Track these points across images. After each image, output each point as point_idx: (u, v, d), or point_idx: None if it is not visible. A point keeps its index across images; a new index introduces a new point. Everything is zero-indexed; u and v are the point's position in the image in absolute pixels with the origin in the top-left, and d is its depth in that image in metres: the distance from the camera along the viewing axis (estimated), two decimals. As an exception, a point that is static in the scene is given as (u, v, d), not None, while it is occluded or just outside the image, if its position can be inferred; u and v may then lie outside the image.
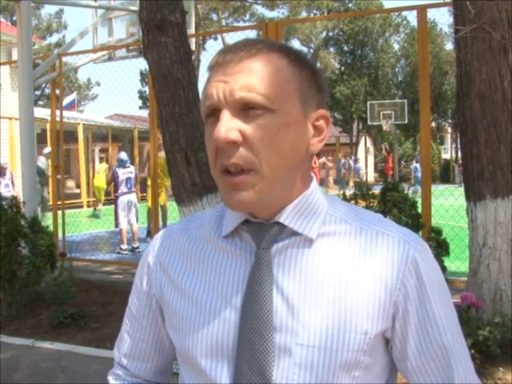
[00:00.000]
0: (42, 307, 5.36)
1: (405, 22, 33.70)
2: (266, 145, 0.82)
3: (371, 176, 31.90)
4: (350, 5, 33.03)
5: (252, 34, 21.70)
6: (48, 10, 44.51)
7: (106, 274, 7.14)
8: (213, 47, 33.11)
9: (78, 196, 18.30)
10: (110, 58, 8.55)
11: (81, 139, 18.47)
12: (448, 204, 8.13)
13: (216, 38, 30.57)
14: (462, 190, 4.29)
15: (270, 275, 0.87)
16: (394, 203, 4.39)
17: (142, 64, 27.99)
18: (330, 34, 34.48)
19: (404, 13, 26.09)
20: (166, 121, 4.04)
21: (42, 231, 5.44)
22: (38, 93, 26.52)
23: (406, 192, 4.74)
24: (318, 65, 29.91)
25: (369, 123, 25.68)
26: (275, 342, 0.85)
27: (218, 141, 0.82)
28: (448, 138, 37.74)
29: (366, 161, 31.58)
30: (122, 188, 9.04)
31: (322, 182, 23.45)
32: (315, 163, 21.19)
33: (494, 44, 3.73)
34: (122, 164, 9.25)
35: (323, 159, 24.68)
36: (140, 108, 33.64)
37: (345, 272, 0.87)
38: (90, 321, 5.11)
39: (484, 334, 3.49)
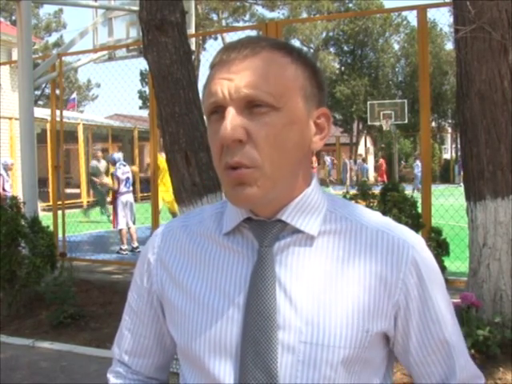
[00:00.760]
0: (41, 307, 5.36)
1: (405, 22, 33.76)
2: (270, 142, 0.83)
3: (371, 176, 31.92)
4: (350, 5, 33.06)
5: (252, 34, 21.58)
6: (47, 9, 44.54)
7: (106, 274, 7.13)
8: (213, 47, 33.20)
9: (78, 196, 18.28)
10: (110, 58, 8.54)
11: (81, 139, 18.46)
12: (448, 204, 8.13)
13: (216, 38, 30.64)
14: (461, 189, 4.29)
15: (273, 273, 0.87)
16: (394, 203, 4.39)
17: (142, 64, 28.03)
18: (330, 34, 34.49)
19: (404, 13, 26.25)
20: (166, 121, 4.04)
21: (42, 231, 5.44)
22: (38, 93, 26.53)
23: (409, 193, 4.74)
24: (318, 65, 29.84)
25: (369, 123, 25.72)
26: (278, 340, 0.85)
27: (225, 139, 0.82)
28: (448, 137, 37.75)
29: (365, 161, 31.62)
30: (122, 188, 9.07)
31: (323, 182, 23.46)
32: (314, 162, 21.17)
33: (493, 44, 3.73)
34: (114, 162, 9.29)
35: (329, 158, 24.62)
36: (140, 108, 33.74)
37: (346, 270, 0.87)
38: (90, 321, 5.11)
39: (484, 334, 3.50)
